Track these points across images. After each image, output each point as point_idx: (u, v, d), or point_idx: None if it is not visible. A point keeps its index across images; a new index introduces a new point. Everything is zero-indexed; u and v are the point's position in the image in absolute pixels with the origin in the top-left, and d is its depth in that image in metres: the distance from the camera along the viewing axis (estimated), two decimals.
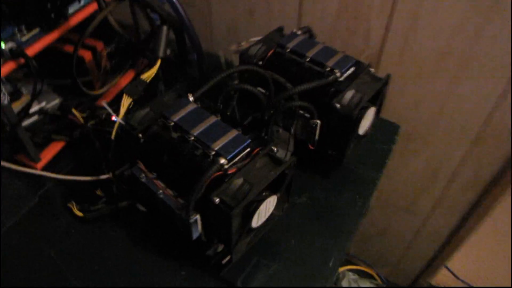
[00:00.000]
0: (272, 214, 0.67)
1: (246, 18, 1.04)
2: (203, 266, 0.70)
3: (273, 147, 0.64)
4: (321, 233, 0.76)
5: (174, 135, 0.62)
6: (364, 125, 0.77)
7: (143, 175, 0.64)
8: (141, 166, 0.66)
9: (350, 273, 1.51)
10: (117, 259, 0.71)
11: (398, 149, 1.11)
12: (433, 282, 1.40)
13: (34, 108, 0.84)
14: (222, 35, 1.14)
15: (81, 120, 0.80)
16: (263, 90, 0.77)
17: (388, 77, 0.76)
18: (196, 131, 0.61)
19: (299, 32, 0.81)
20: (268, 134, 0.73)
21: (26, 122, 0.83)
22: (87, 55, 0.87)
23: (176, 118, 0.63)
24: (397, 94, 1.00)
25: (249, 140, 0.61)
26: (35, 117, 0.84)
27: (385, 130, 0.93)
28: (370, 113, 0.77)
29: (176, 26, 0.73)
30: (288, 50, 0.77)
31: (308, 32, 0.84)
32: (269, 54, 0.79)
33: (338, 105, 0.70)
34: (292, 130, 0.75)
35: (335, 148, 0.79)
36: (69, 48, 0.85)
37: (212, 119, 0.63)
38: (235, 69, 0.69)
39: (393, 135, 0.93)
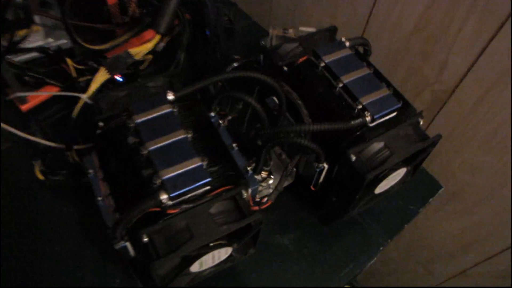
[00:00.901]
0: (230, 257, 0.55)
1: (311, 1, 0.85)
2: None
3: (243, 191, 0.50)
4: (290, 284, 0.63)
5: (131, 140, 0.50)
6: (386, 185, 0.61)
7: (91, 170, 0.54)
8: (94, 158, 0.55)
9: None
10: (53, 238, 0.64)
11: (435, 204, 0.92)
12: None
13: (37, 43, 0.74)
14: (283, 11, 0.96)
15: (74, 72, 0.69)
16: (277, 101, 0.62)
17: (437, 138, 0.57)
18: (153, 145, 0.49)
19: (347, 44, 0.63)
20: (257, 166, 0.59)
21: (23, 57, 0.74)
22: None
23: (140, 119, 0.51)
24: (453, 150, 0.79)
25: (209, 179, 0.47)
26: (35, 54, 0.74)
27: (422, 187, 0.75)
28: (399, 173, 0.59)
29: None
30: (323, 64, 0.60)
31: (363, 45, 0.66)
32: (300, 60, 0.63)
33: (353, 157, 0.54)
34: (291, 165, 0.60)
35: (340, 200, 0.63)
36: None
37: (179, 134, 0.50)
38: (237, 74, 0.54)
39: (429, 196, 0.74)
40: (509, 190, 0.76)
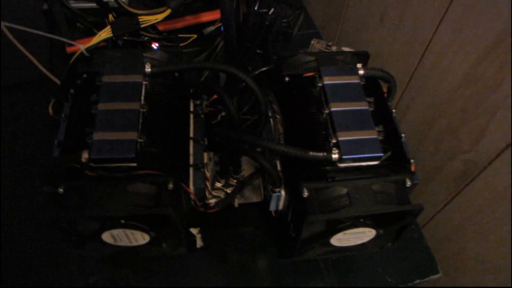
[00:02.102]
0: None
1: (375, 23, 0.78)
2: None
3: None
4: None
5: (93, 97, 0.51)
6: (347, 240, 0.53)
7: (63, 116, 0.55)
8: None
9: None
10: None
11: None
12: None
13: None
14: (350, 30, 0.90)
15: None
16: None
17: (417, 208, 0.48)
18: (105, 107, 0.49)
19: (361, 72, 0.56)
20: (223, 170, 0.56)
21: (80, 4, 0.79)
22: None
23: (107, 81, 0.51)
24: (462, 240, 0.66)
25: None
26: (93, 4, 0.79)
27: (414, 264, 0.64)
28: (365, 233, 0.52)
29: None
30: (321, 84, 0.54)
31: (384, 80, 0.58)
32: (304, 74, 0.58)
33: (305, 193, 0.48)
34: (246, 179, 0.56)
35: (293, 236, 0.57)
36: None
37: (133, 106, 0.49)
38: (206, 65, 0.52)
39: (418, 276, 0.63)
40: None
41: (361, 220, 0.49)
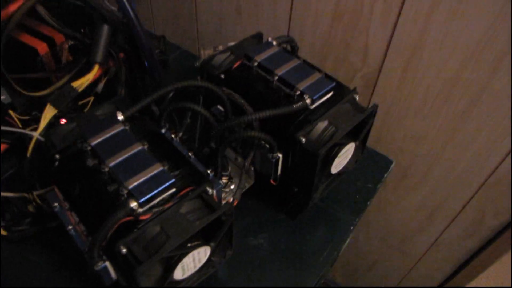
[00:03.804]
0: (210, 262, 0.56)
1: (233, 17, 0.92)
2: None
3: (208, 188, 0.52)
4: (274, 283, 0.64)
5: (90, 162, 0.52)
6: (340, 164, 0.64)
7: (56, 204, 0.54)
8: (57, 192, 0.55)
9: None
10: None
11: (391, 183, 0.97)
12: None
13: None
14: (209, 35, 1.02)
15: (18, 123, 0.69)
16: (222, 109, 0.66)
17: (374, 108, 0.62)
18: (112, 162, 0.50)
19: (274, 42, 0.68)
20: (216, 170, 0.61)
21: None
22: (41, 47, 0.76)
23: (95, 141, 0.52)
24: (394, 124, 0.85)
25: (173, 180, 0.49)
26: None
27: (374, 166, 0.80)
28: (348, 149, 0.64)
29: (121, 27, 0.62)
30: (256, 64, 0.64)
31: (289, 43, 0.71)
32: (234, 65, 0.67)
33: (303, 139, 0.58)
34: (247, 162, 0.63)
35: (300, 187, 0.66)
36: (22, 37, 0.75)
37: (136, 147, 0.52)
38: (177, 85, 0.57)
39: (383, 172, 0.79)
40: (450, 151, 0.83)
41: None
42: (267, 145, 0.61)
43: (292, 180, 0.65)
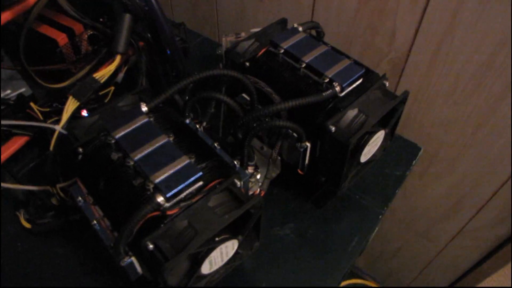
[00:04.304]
0: (237, 254, 0.54)
1: (255, 3, 0.89)
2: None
3: (236, 180, 0.50)
4: (302, 274, 0.63)
5: (114, 156, 0.50)
6: (369, 152, 0.62)
7: (80, 198, 0.53)
8: (81, 186, 0.54)
9: None
10: (58, 280, 0.61)
11: (417, 169, 0.94)
12: None
13: None
14: (230, 21, 0.99)
15: (40, 116, 0.68)
16: (247, 98, 0.64)
17: (405, 94, 0.60)
18: (138, 155, 0.49)
19: (300, 28, 0.65)
20: (242, 161, 0.59)
21: None
22: (61, 38, 0.75)
23: (119, 134, 0.51)
24: (422, 110, 0.82)
25: (200, 173, 0.47)
26: None
27: (402, 153, 0.77)
28: (378, 137, 0.61)
29: (142, 15, 0.60)
30: (282, 51, 0.62)
31: (315, 28, 0.69)
32: (259, 53, 0.65)
33: (332, 128, 0.56)
34: (275, 151, 0.61)
35: (329, 177, 0.64)
36: (42, 28, 0.74)
37: (161, 139, 0.50)
38: (202, 75, 0.55)
39: (411, 160, 0.76)
40: (481, 138, 0.79)
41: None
42: (295, 135, 0.59)
43: (320, 169, 0.63)
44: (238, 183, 0.51)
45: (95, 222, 0.51)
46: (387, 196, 0.72)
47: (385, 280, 1.36)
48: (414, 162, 0.76)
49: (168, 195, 0.45)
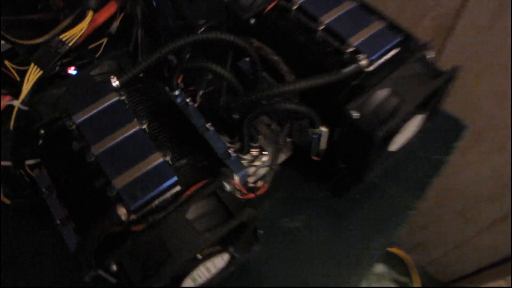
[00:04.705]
0: (232, 259, 0.45)
1: None
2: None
3: (225, 184, 0.40)
4: (311, 278, 0.54)
5: (76, 146, 0.40)
6: (401, 139, 0.50)
7: (44, 190, 0.44)
8: (45, 172, 0.45)
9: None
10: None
11: (461, 145, 0.80)
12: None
13: None
14: None
15: (17, 76, 0.59)
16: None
17: (454, 71, 0.46)
18: (100, 147, 0.39)
19: None
20: (242, 145, 0.48)
21: None
22: None
23: (81, 118, 0.41)
24: (471, 80, 0.67)
25: (175, 178, 0.37)
26: None
27: (441, 131, 0.64)
28: (414, 122, 0.49)
29: None
30: (296, 6, 0.48)
31: None
32: (268, 8, 0.51)
33: (355, 114, 0.43)
34: (282, 135, 0.50)
35: (350, 167, 0.53)
36: None
37: (131, 127, 0.40)
38: (188, 39, 0.43)
39: (453, 140, 0.63)
40: None
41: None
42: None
43: (339, 156, 0.52)
44: (228, 186, 0.40)
45: (58, 221, 0.42)
46: (421, 186, 0.60)
47: (411, 249, 1.27)
48: (456, 143, 0.63)
49: (132, 207, 0.36)
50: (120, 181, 0.37)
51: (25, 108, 0.45)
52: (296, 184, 0.60)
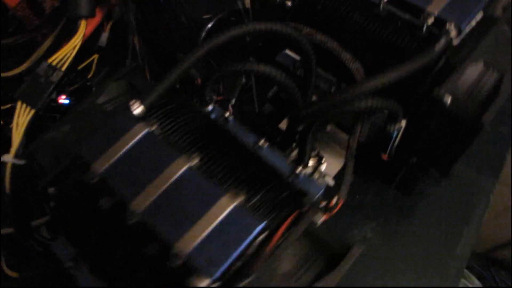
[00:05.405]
0: None
1: None
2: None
3: (315, 216, 0.30)
4: None
5: (105, 203, 0.29)
6: None
7: (71, 263, 0.33)
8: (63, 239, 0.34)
9: None
10: None
11: None
12: None
13: None
14: None
15: None
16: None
17: None
18: (143, 203, 0.28)
19: None
20: (302, 157, 0.38)
21: None
22: None
23: (103, 166, 0.30)
24: None
25: (262, 225, 0.27)
26: None
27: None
28: None
29: None
30: None
31: None
32: None
33: (448, 99, 0.34)
34: (351, 142, 0.40)
35: (434, 162, 0.43)
36: None
37: (179, 166, 0.29)
38: (224, 37, 0.33)
39: None
40: None
41: None
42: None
43: (414, 150, 0.42)
44: (320, 218, 0.30)
45: None
46: (496, 165, 0.52)
47: None
48: None
49: (215, 276, 0.25)
50: (184, 245, 0.26)
51: (20, 162, 0.34)
52: (358, 189, 0.51)
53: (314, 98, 0.41)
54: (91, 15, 0.37)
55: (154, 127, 0.31)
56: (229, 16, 0.54)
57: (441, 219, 0.49)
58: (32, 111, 0.34)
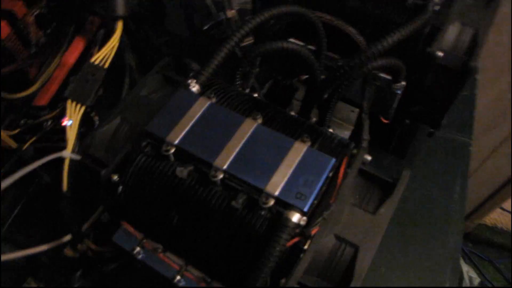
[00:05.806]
0: None
1: None
2: None
3: (366, 156, 0.35)
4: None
5: (183, 172, 0.32)
6: None
7: (138, 248, 0.35)
8: (128, 228, 0.36)
9: None
10: None
11: None
12: (487, 221, 1.20)
13: None
14: None
15: (12, 143, 0.47)
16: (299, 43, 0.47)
17: None
18: (225, 159, 0.31)
19: None
20: (324, 120, 0.43)
21: None
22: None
23: (178, 137, 0.32)
24: None
25: (333, 160, 0.31)
26: None
27: None
28: None
29: None
30: None
31: None
32: None
33: (439, 54, 0.41)
34: (364, 106, 0.45)
35: (426, 115, 0.50)
36: None
37: (249, 125, 0.33)
38: (270, 13, 0.37)
39: None
40: None
41: None
42: (386, 76, 0.44)
43: (412, 109, 0.49)
44: (369, 157, 0.35)
45: (178, 277, 0.33)
46: (467, 120, 0.60)
47: None
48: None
49: (306, 208, 0.29)
50: (274, 186, 0.29)
51: (77, 157, 0.35)
52: None
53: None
54: (127, 15, 0.40)
55: (214, 99, 0.35)
56: None
57: (435, 174, 0.55)
58: (83, 108, 0.36)
